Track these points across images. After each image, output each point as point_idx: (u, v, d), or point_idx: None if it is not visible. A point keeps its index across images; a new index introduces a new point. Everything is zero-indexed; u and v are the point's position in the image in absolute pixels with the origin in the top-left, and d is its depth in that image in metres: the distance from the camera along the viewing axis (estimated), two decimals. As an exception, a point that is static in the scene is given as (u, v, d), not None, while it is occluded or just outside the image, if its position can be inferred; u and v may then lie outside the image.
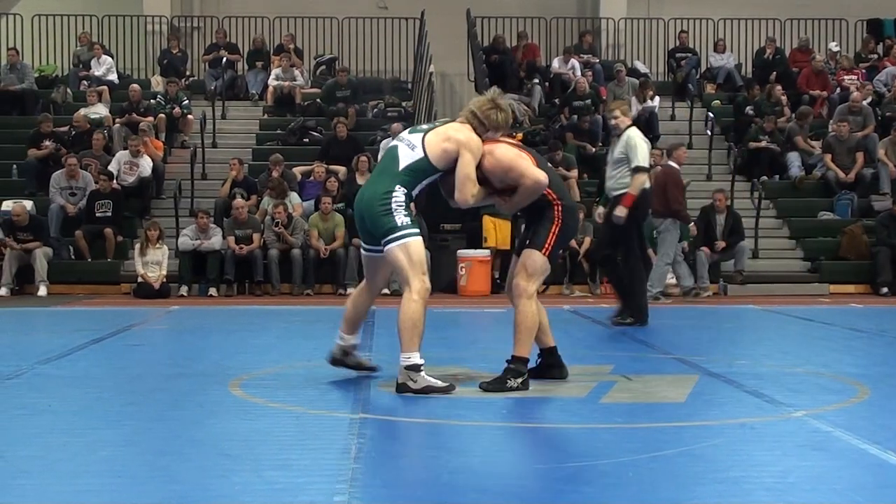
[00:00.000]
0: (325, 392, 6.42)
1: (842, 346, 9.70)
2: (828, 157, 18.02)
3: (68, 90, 20.08)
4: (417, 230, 6.36)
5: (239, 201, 16.05)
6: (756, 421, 5.59)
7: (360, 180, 16.55)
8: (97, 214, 16.21)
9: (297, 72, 20.54)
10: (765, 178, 18.13)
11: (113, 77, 20.59)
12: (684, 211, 13.95)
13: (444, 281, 15.46)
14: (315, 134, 19.01)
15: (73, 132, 18.03)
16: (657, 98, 19.66)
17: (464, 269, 15.54)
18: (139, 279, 15.19)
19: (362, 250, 6.73)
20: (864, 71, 21.09)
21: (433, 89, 19.20)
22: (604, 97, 19.53)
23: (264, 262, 15.55)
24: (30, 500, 4.09)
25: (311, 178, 17.14)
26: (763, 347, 9.65)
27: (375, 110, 20.02)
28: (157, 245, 15.33)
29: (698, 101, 20.27)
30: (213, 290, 15.34)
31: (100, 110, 19.07)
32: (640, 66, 21.79)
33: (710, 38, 22.40)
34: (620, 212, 10.19)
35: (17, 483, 4.30)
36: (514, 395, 6.27)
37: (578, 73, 20.31)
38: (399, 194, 6.35)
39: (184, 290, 15.32)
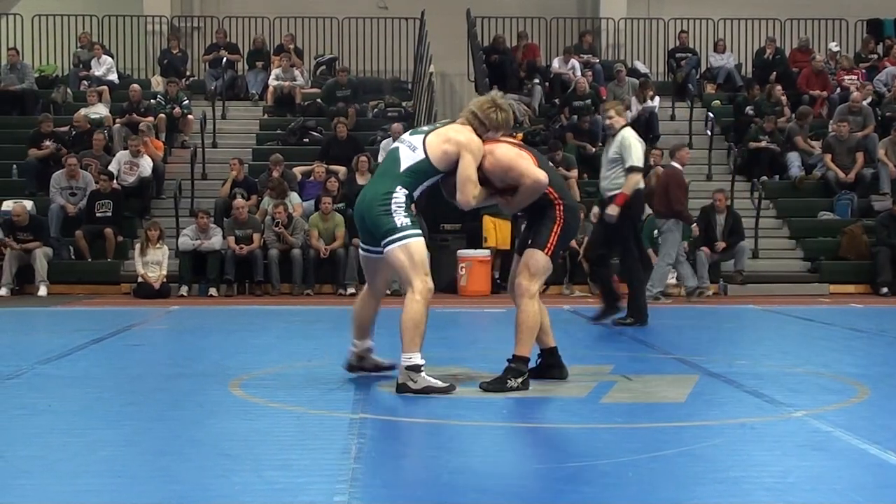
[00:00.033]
0: (325, 392, 6.41)
1: (842, 346, 9.70)
2: (828, 157, 18.02)
3: (68, 90, 20.08)
4: (418, 231, 6.36)
5: (239, 201, 16.05)
6: (756, 421, 5.59)
7: (360, 180, 16.56)
8: (97, 214, 16.21)
9: (297, 72, 20.54)
10: (765, 178, 18.13)
11: (113, 77, 20.59)
12: (686, 211, 13.96)
13: (444, 281, 15.46)
14: (315, 134, 19.01)
15: (74, 132, 18.03)
16: (657, 98, 19.66)
17: (464, 269, 15.54)
18: (139, 279, 15.20)
19: (361, 251, 6.72)
20: (864, 71, 21.09)
21: (433, 89, 19.21)
22: (604, 97, 19.52)
23: (264, 262, 15.55)
24: (30, 500, 4.09)
25: (312, 178, 17.14)
26: (763, 347, 9.65)
27: (375, 110, 20.02)
28: (158, 245, 15.33)
29: (698, 101, 20.27)
30: (213, 290, 15.34)
31: (100, 110, 19.07)
32: (640, 66, 21.79)
33: (710, 38, 22.41)
34: (612, 210, 10.19)
35: (17, 483, 4.30)
36: (514, 395, 6.27)
37: (578, 73, 20.31)
38: (400, 195, 6.35)
39: (184, 290, 15.32)
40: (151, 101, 19.09)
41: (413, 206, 6.45)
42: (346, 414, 5.71)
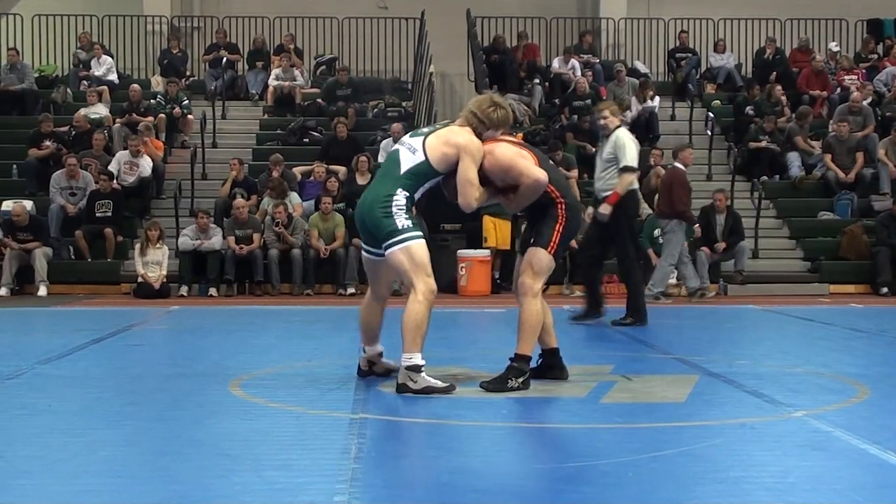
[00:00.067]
0: (325, 392, 6.41)
1: (842, 346, 9.70)
2: (828, 157, 18.02)
3: (68, 90, 20.08)
4: (419, 232, 6.36)
5: (239, 201, 16.05)
6: (756, 421, 5.59)
7: (360, 180, 16.56)
8: (97, 214, 16.21)
9: (297, 72, 20.54)
10: (765, 178, 18.13)
11: (113, 77, 20.60)
12: (689, 212, 13.97)
13: (444, 281, 15.44)
14: (315, 134, 19.01)
15: (74, 132, 18.03)
16: (657, 98, 19.66)
17: (464, 269, 15.54)
18: (139, 279, 15.19)
19: (364, 253, 6.72)
20: (864, 71, 21.09)
21: (433, 89, 19.21)
22: (604, 97, 19.52)
23: (264, 262, 15.55)
24: (30, 500, 4.09)
25: (312, 178, 17.14)
26: (763, 347, 9.65)
27: (375, 110, 20.02)
28: (158, 245, 15.33)
29: (698, 101, 20.27)
30: (213, 290, 15.34)
31: (100, 110, 19.07)
32: (640, 66, 21.79)
33: (710, 38, 22.41)
34: (604, 209, 10.18)
35: (17, 483, 4.30)
36: (514, 394, 6.27)
37: (578, 73, 20.31)
38: (400, 197, 6.35)
39: (184, 290, 15.32)
40: (151, 101, 19.10)
41: (413, 207, 6.45)
42: (346, 414, 5.71)
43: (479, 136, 6.49)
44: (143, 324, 11.29)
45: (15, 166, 17.87)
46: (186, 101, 19.39)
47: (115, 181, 16.58)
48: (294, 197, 16.46)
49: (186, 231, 15.59)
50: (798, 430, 5.39)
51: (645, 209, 16.67)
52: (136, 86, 19.44)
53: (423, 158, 6.40)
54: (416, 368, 6.21)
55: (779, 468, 4.54)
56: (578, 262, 12.13)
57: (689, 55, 21.78)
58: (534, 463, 4.90)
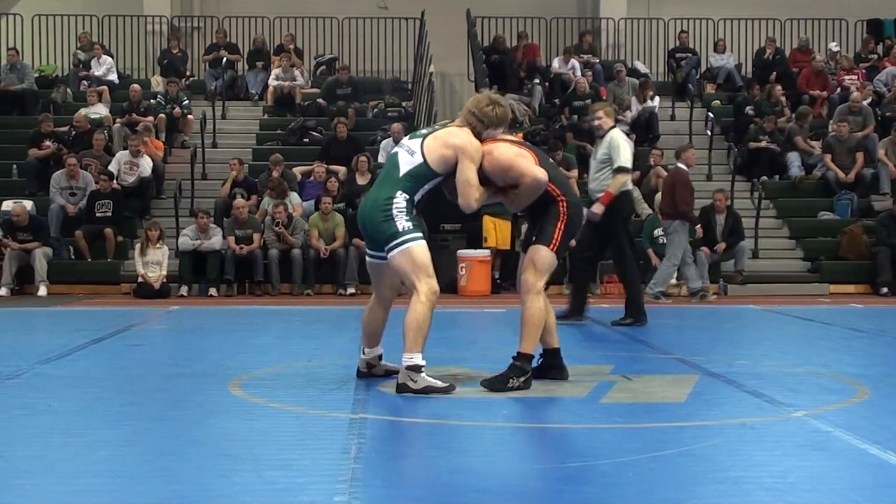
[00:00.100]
0: (325, 392, 6.41)
1: (842, 346, 9.70)
2: (828, 157, 18.02)
3: (68, 90, 20.08)
4: (420, 234, 6.37)
5: (239, 201, 16.05)
6: (756, 421, 5.60)
7: (360, 180, 16.57)
8: (97, 214, 16.21)
9: (297, 72, 20.55)
10: (765, 178, 18.13)
11: (113, 77, 20.60)
12: (692, 212, 13.97)
13: (444, 281, 15.39)
14: (315, 134, 19.01)
15: (74, 132, 18.04)
16: (657, 98, 19.66)
17: (464, 269, 15.54)
18: (139, 279, 15.19)
19: (367, 257, 6.73)
20: (864, 71, 21.09)
21: (433, 89, 19.21)
22: (604, 97, 19.53)
23: (264, 262, 15.55)
24: (30, 500, 4.09)
25: (312, 178, 17.14)
26: (763, 347, 9.65)
27: (375, 110, 20.02)
28: (158, 245, 15.33)
29: (698, 101, 20.27)
30: (213, 290, 15.34)
31: (100, 110, 19.07)
32: (640, 66, 21.79)
33: (710, 38, 22.41)
34: (597, 209, 10.14)
35: (17, 483, 4.30)
36: (514, 394, 6.27)
37: (578, 73, 20.31)
38: (400, 200, 6.36)
39: (184, 290, 15.32)
40: (151, 101, 19.10)
41: (414, 209, 6.45)
42: (346, 414, 5.71)
43: (478, 135, 6.49)
44: (143, 324, 11.29)
45: (15, 166, 17.87)
46: (186, 101, 19.39)
47: (115, 181, 16.58)
48: (294, 197, 16.46)
49: (186, 231, 15.59)
50: (798, 430, 5.39)
51: (645, 209, 16.70)
52: (136, 86, 19.45)
53: (421, 160, 6.41)
54: (417, 368, 6.21)
55: (779, 468, 4.54)
56: (575, 265, 12.10)
57: (689, 55, 21.78)
58: (534, 463, 4.90)
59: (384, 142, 17.79)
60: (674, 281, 14.95)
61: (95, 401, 6.33)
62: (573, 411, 6.03)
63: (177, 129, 19.26)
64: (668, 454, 4.82)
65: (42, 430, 5.33)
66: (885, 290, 15.81)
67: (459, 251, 15.73)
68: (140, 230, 16.25)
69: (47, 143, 17.51)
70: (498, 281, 15.82)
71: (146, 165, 17.13)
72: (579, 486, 4.28)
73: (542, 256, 6.48)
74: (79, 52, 21.14)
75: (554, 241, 6.48)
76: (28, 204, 16.27)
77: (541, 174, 6.42)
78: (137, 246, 15.48)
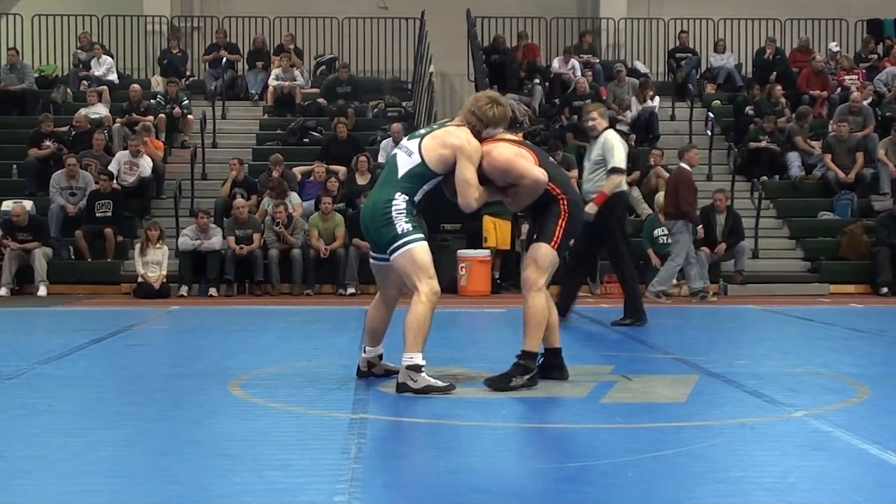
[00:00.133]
0: (325, 392, 6.41)
1: (842, 346, 9.70)
2: (828, 157, 18.02)
3: (68, 90, 20.08)
4: (420, 235, 6.38)
5: (239, 201, 16.05)
6: (756, 421, 5.60)
7: (360, 180, 16.57)
8: (97, 214, 16.21)
9: (297, 72, 20.55)
10: (765, 178, 18.13)
11: (113, 77, 20.60)
12: (694, 212, 13.96)
13: (444, 281, 15.38)
14: (315, 134, 19.01)
15: (74, 132, 18.04)
16: (657, 98, 19.66)
17: (464, 269, 15.53)
18: (139, 279, 15.19)
19: (371, 259, 6.74)
20: (864, 71, 21.09)
21: (433, 89, 19.20)
22: (604, 97, 19.54)
23: (264, 262, 15.54)
24: (30, 500, 4.09)
25: (311, 178, 17.14)
26: (763, 347, 9.65)
27: (375, 110, 20.02)
28: (158, 245, 15.33)
29: (698, 101, 20.27)
30: (213, 290, 15.34)
31: (100, 110, 19.07)
32: (640, 66, 21.79)
33: (710, 38, 22.41)
34: (590, 209, 10.10)
35: (17, 483, 4.30)
36: (514, 394, 6.27)
37: (578, 73, 20.31)
38: (399, 202, 6.37)
39: (184, 290, 15.32)
40: (151, 101, 19.10)
41: (415, 209, 6.45)
42: (346, 414, 5.71)
43: (478, 134, 6.49)
44: (143, 324, 11.29)
45: (15, 166, 17.87)
46: (186, 101, 19.39)
47: (115, 181, 16.58)
48: (294, 197, 16.46)
49: (186, 231, 15.59)
50: (798, 430, 5.39)
51: (645, 209, 16.69)
52: (136, 86, 19.45)
53: (419, 161, 6.41)
54: (417, 368, 6.21)
55: (779, 468, 4.54)
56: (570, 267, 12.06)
57: (689, 55, 21.78)
58: (534, 463, 4.90)
59: (384, 142, 17.79)
60: (674, 281, 14.94)
61: (95, 401, 6.33)
62: (573, 411, 6.03)
63: (177, 129, 19.26)
64: (668, 454, 4.82)
65: (42, 430, 5.33)
66: (885, 290, 15.81)
67: (459, 251, 15.73)
68: (140, 230, 16.25)
69: (47, 143, 17.51)
70: (498, 281, 15.82)
71: (146, 165, 17.13)
72: (579, 486, 4.28)
73: (544, 254, 6.48)
74: (79, 52, 21.14)
75: (555, 239, 6.47)
76: (28, 204, 16.27)
77: (540, 175, 6.41)
78: (137, 246, 15.48)
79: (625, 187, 10.62)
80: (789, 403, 6.02)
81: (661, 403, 6.14)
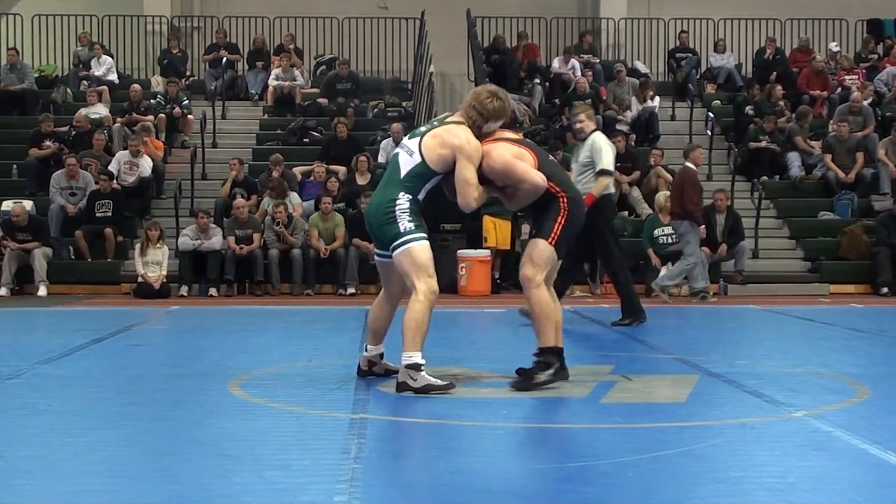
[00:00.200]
0: (325, 392, 6.41)
1: (842, 346, 9.70)
2: (828, 157, 18.02)
3: (68, 90, 20.08)
4: (422, 234, 6.40)
5: (239, 201, 16.05)
6: (756, 421, 5.59)
7: (360, 180, 16.57)
8: (97, 214, 16.21)
9: (297, 72, 20.55)
10: (765, 178, 18.13)
11: (113, 77, 20.60)
12: (698, 212, 13.96)
13: (444, 281, 15.39)
14: (315, 134, 19.01)
15: (74, 132, 18.04)
16: (657, 98, 19.66)
17: (464, 269, 15.53)
18: (139, 279, 15.19)
19: (376, 256, 6.76)
20: (864, 71, 21.08)
21: (433, 89, 19.21)
22: (604, 97, 19.55)
23: (264, 262, 15.54)
24: (30, 500, 4.09)
25: (312, 178, 17.14)
26: (763, 347, 9.65)
27: (375, 110, 20.02)
28: (158, 245, 15.33)
29: (698, 101, 20.27)
30: (213, 290, 15.34)
31: (100, 110, 19.07)
32: (640, 66, 21.79)
33: (710, 38, 22.41)
34: None
35: (17, 483, 4.30)
36: (514, 395, 6.26)
37: (578, 73, 20.31)
38: (403, 201, 6.38)
39: (184, 290, 15.32)
40: (151, 101, 19.10)
41: (419, 208, 6.46)
42: (346, 414, 5.71)
43: (478, 128, 6.48)
44: (143, 324, 11.29)
45: (15, 166, 17.87)
46: (186, 101, 19.39)
47: (115, 181, 16.58)
48: (294, 197, 16.46)
49: (186, 231, 15.59)
50: (798, 430, 5.39)
51: (645, 209, 16.69)
52: (136, 86, 19.45)
53: (420, 160, 6.42)
54: (417, 367, 6.22)
55: (779, 468, 4.54)
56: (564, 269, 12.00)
57: (689, 55, 21.77)
58: (534, 463, 4.90)
59: (384, 142, 17.79)
60: (675, 281, 14.92)
61: (95, 401, 6.33)
62: (573, 411, 6.03)
63: (177, 129, 19.26)
64: (668, 454, 4.82)
65: (42, 430, 5.33)
66: (885, 290, 15.80)
67: (459, 251, 15.73)
68: (140, 230, 16.25)
69: (47, 143, 17.52)
70: (498, 281, 15.82)
71: (146, 165, 17.13)
72: (579, 486, 4.28)
73: (541, 250, 6.46)
74: (79, 52, 21.14)
75: (553, 235, 6.45)
76: (28, 204, 16.27)
77: (539, 180, 6.39)
78: (137, 246, 15.48)
79: (612, 189, 10.61)
80: (790, 403, 6.02)
81: (661, 403, 6.14)
